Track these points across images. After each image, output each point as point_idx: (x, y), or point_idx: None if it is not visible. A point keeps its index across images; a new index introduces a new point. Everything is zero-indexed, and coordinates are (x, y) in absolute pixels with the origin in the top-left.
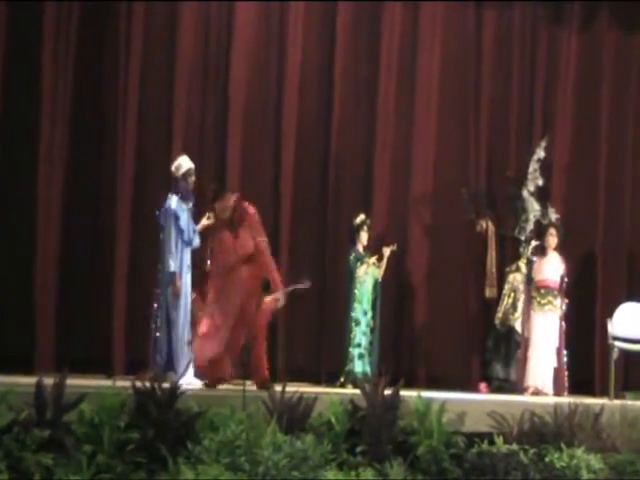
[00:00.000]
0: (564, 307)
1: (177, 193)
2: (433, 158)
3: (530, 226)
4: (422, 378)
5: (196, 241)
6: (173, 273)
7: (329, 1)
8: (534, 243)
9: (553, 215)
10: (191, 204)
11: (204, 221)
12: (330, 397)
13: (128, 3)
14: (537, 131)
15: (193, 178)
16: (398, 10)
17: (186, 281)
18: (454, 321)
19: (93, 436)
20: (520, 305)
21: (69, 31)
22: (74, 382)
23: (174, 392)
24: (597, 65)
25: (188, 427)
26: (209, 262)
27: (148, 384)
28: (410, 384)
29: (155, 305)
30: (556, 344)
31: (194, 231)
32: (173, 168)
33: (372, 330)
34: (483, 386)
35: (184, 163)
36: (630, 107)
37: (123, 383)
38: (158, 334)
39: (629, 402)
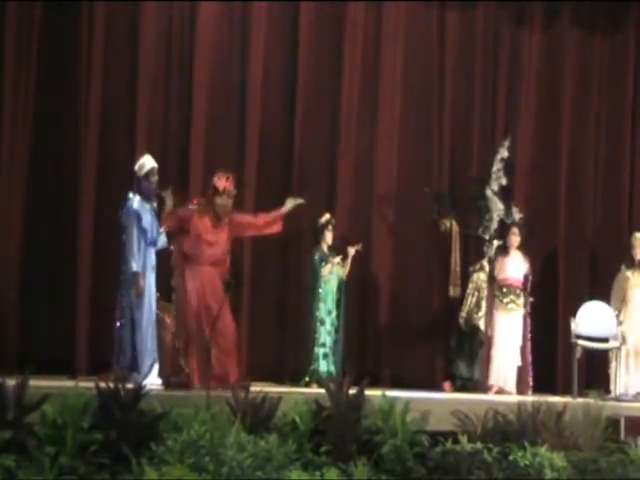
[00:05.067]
0: (529, 306)
1: (140, 193)
2: (396, 158)
3: (494, 225)
4: (386, 377)
5: (162, 241)
6: (136, 273)
7: (292, 1)
8: (496, 243)
9: (517, 214)
10: (155, 204)
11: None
12: (294, 397)
13: (89, 4)
14: (500, 130)
15: (156, 177)
16: (361, 10)
17: (150, 281)
18: (418, 320)
19: (56, 437)
20: (484, 304)
21: (30, 33)
22: (36, 383)
23: (137, 393)
24: (559, 65)
25: (152, 428)
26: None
27: (111, 385)
28: (374, 383)
29: (118, 305)
30: (520, 343)
31: (158, 231)
32: (136, 167)
33: (337, 329)
34: (447, 385)
35: (147, 162)
36: (592, 106)
37: (86, 384)
38: (122, 334)
39: (592, 400)
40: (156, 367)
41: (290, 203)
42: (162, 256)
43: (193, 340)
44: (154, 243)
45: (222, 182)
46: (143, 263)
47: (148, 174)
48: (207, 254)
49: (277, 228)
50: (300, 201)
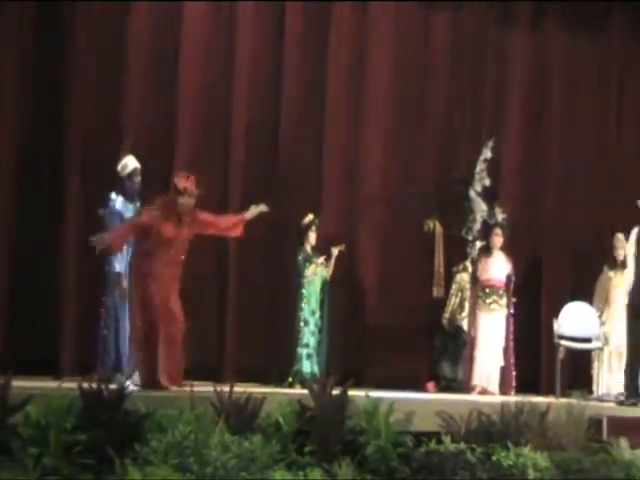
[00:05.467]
0: (512, 306)
1: (122, 193)
2: (382, 158)
3: (477, 226)
4: (371, 378)
5: None
6: (119, 274)
7: (278, 1)
8: (479, 243)
9: (500, 215)
10: (138, 204)
11: None
12: (278, 397)
13: (77, 4)
14: (486, 131)
15: (139, 178)
16: (347, 10)
17: None
18: (402, 321)
19: (39, 438)
20: (467, 305)
21: (19, 34)
22: (20, 384)
23: (121, 393)
24: (546, 64)
25: (136, 428)
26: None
27: (95, 385)
28: (359, 384)
29: (102, 306)
30: (502, 343)
31: None
32: (119, 167)
33: (320, 330)
34: (431, 385)
35: (130, 163)
36: (578, 107)
37: (70, 384)
38: (106, 335)
39: (575, 401)
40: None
41: (254, 210)
42: None
43: (160, 340)
44: None
45: (182, 182)
46: (126, 263)
47: (131, 174)
48: (167, 254)
49: (238, 233)
50: (264, 209)
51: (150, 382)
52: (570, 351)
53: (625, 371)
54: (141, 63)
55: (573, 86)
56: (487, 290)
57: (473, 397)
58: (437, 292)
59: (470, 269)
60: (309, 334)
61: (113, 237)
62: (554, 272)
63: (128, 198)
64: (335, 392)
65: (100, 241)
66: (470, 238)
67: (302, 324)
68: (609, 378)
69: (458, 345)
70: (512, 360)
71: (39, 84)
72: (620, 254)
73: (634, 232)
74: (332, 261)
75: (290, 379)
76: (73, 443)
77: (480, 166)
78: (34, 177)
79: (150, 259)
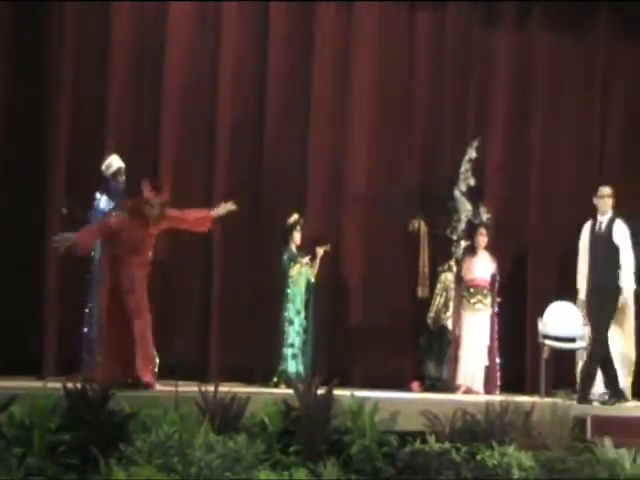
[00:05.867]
0: (496, 306)
1: (107, 193)
2: (367, 158)
3: (462, 226)
4: (356, 377)
5: None
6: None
7: (263, 1)
8: (464, 243)
9: (484, 215)
10: None
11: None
12: (263, 397)
13: (59, 4)
14: (471, 130)
15: (123, 177)
16: (332, 10)
17: None
18: (387, 320)
19: (23, 438)
20: (452, 304)
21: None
22: (4, 384)
23: (106, 393)
24: (531, 64)
25: (120, 428)
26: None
27: (79, 385)
28: (344, 384)
29: (86, 305)
30: (487, 342)
31: None
32: (103, 167)
33: (305, 330)
34: (415, 385)
35: (114, 162)
36: (563, 107)
37: (54, 384)
38: (89, 334)
39: (559, 400)
40: None
41: (223, 208)
42: None
43: (138, 339)
44: None
45: (148, 190)
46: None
47: (115, 174)
48: (137, 257)
49: (205, 228)
50: (232, 207)
51: (132, 381)
52: (555, 351)
53: (596, 368)
54: (126, 63)
55: (558, 86)
56: (472, 290)
57: (458, 396)
58: (422, 292)
59: (455, 269)
60: (294, 334)
61: (79, 237)
62: (539, 272)
63: (113, 197)
64: (320, 392)
65: (63, 240)
66: (455, 238)
67: (287, 324)
68: None
69: (443, 345)
70: (497, 359)
71: (22, 84)
72: None
73: (586, 226)
74: (317, 261)
75: (275, 379)
76: (57, 443)
77: (465, 166)
78: (17, 177)
79: (121, 262)
